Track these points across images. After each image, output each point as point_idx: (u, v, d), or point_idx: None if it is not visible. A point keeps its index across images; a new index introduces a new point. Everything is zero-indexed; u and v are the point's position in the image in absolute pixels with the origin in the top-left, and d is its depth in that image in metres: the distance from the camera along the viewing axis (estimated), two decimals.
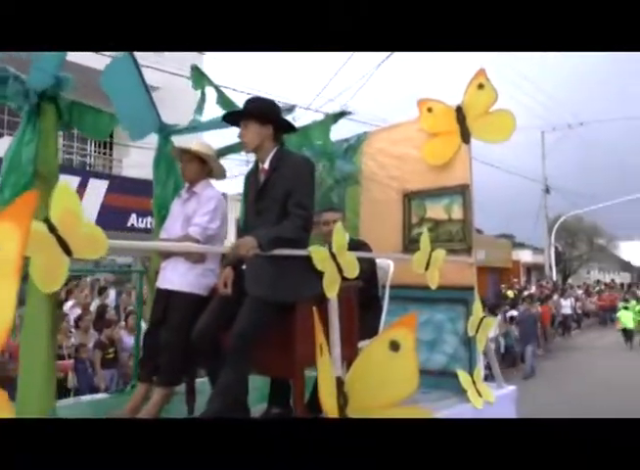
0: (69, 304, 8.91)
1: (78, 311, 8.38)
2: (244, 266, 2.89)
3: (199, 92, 4.19)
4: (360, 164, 4.37)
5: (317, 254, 2.73)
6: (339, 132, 4.45)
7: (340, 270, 2.78)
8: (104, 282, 11.36)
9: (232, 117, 3.10)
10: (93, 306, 9.05)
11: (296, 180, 2.84)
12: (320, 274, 2.73)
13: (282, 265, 2.76)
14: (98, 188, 12.11)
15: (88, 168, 13.68)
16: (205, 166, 3.46)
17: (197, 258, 3.31)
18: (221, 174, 3.55)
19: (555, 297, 20.13)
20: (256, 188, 2.96)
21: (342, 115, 3.96)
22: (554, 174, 29.87)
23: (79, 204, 2.06)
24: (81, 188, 10.89)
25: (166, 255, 3.44)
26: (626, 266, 55.48)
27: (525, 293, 19.07)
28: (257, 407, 3.39)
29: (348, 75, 14.73)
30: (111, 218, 11.05)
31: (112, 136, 13.35)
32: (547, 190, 28.70)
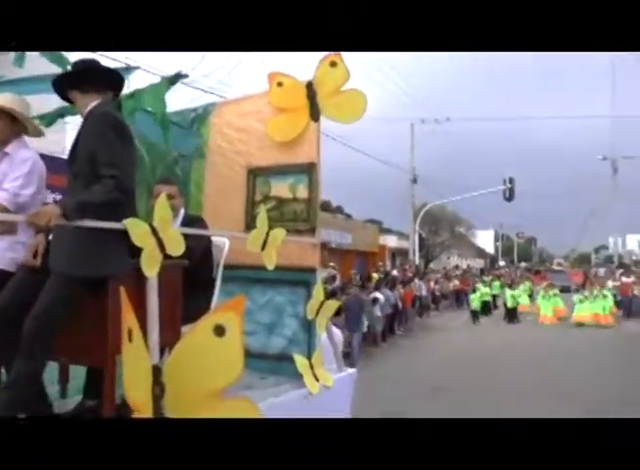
0: None
1: None
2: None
3: None
4: (207, 136, 4.10)
5: (134, 227, 2.45)
6: None
7: (161, 247, 2.53)
8: None
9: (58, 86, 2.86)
10: None
11: (96, 137, 2.55)
12: (138, 248, 2.46)
13: (91, 236, 2.45)
14: None
15: None
16: (17, 124, 3.03)
17: (5, 229, 2.90)
18: (37, 132, 3.15)
19: (416, 280, 21.09)
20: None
21: (177, 78, 3.66)
22: (421, 165, 31.28)
23: None
24: None
25: None
26: (481, 253, 60.12)
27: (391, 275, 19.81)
28: (74, 399, 3.08)
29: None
30: None
31: None
32: (414, 180, 29.95)
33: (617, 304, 22.29)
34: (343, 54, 3.51)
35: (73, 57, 3.39)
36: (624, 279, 22.88)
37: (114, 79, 2.89)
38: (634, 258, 51.50)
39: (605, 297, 20.60)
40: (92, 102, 2.72)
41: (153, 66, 7.92)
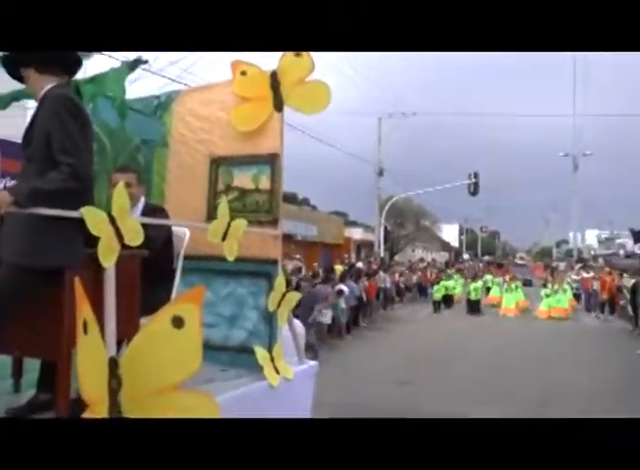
0: None
1: None
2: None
3: None
4: (170, 124, 4.03)
5: (91, 216, 2.38)
6: None
7: (120, 237, 2.47)
8: None
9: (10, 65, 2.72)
10: None
11: (53, 121, 2.47)
12: (95, 238, 2.40)
13: (44, 225, 2.38)
14: None
15: None
16: None
17: None
18: None
19: (381, 272, 21.24)
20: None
21: (137, 63, 3.58)
22: (387, 158, 31.48)
23: None
24: None
25: None
26: (446, 246, 61.01)
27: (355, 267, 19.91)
28: (28, 393, 2.99)
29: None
30: None
31: None
32: (380, 172, 30.11)
33: (576, 296, 23.02)
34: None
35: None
36: (585, 274, 23.51)
37: (72, 62, 2.79)
38: (592, 252, 52.87)
39: (565, 291, 21.23)
40: (48, 84, 2.62)
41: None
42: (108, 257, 2.44)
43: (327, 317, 12.60)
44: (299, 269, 13.68)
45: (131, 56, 3.77)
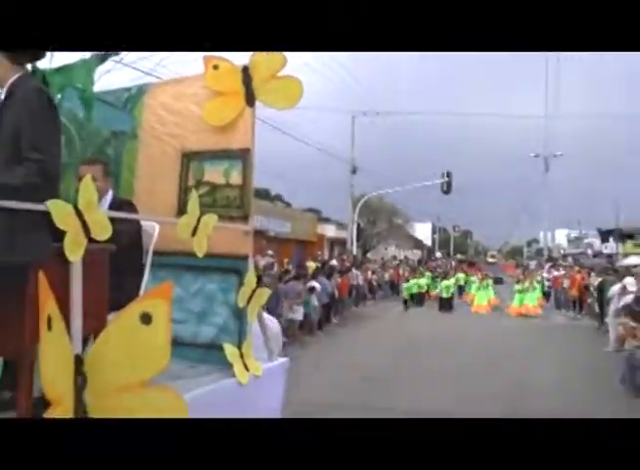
0: None
1: None
2: None
3: None
4: (140, 117, 3.96)
5: (57, 209, 2.33)
6: None
7: (86, 230, 2.42)
8: None
9: None
10: None
11: (24, 114, 2.40)
12: (61, 233, 2.35)
13: (8, 219, 2.31)
14: None
15: None
16: None
17: None
18: None
19: (353, 270, 21.32)
20: None
21: (106, 55, 3.52)
22: (361, 156, 31.63)
23: None
24: None
25: None
26: (419, 245, 61.55)
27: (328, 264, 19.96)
28: None
29: None
30: None
31: None
32: (354, 170, 30.23)
33: (545, 294, 23.52)
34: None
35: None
36: (556, 273, 23.96)
37: (40, 52, 2.73)
38: (562, 251, 53.82)
39: (534, 288, 21.65)
40: (15, 73, 2.54)
41: None
42: (74, 251, 2.38)
43: (299, 314, 12.60)
44: (272, 265, 13.64)
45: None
